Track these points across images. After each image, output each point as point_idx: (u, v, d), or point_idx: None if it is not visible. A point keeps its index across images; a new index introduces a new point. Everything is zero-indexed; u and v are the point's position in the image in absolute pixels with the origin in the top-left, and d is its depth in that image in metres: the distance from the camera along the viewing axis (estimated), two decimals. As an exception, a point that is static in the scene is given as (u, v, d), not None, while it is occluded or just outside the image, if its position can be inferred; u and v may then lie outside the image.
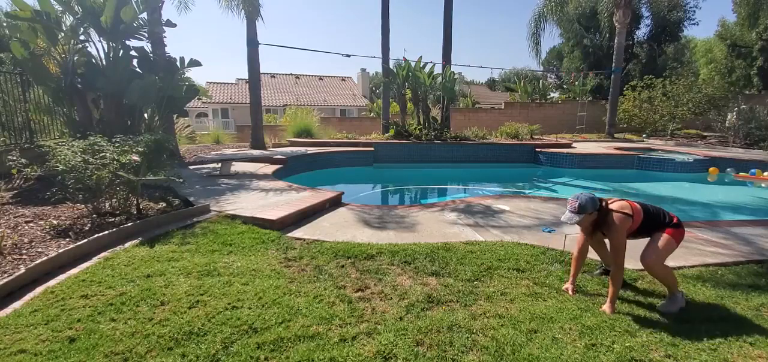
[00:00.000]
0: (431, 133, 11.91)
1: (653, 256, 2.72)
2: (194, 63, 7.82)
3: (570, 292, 2.93)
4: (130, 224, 4.06)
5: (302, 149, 10.70)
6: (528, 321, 2.51)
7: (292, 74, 37.52)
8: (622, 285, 3.04)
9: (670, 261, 3.47)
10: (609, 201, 2.81)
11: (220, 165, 7.52)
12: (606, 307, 2.71)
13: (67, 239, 3.77)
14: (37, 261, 3.14)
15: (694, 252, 3.75)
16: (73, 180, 4.08)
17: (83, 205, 4.53)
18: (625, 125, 18.04)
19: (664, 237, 2.75)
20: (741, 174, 9.57)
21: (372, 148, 11.03)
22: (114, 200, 4.55)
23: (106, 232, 3.78)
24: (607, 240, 2.97)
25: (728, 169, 9.83)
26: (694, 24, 24.39)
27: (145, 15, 7.48)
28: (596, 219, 2.77)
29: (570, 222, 2.74)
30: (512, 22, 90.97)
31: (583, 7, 24.04)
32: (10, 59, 6.73)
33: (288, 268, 3.25)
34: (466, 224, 4.54)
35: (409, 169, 10.92)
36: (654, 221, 2.81)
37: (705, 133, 16.91)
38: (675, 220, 2.82)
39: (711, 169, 9.98)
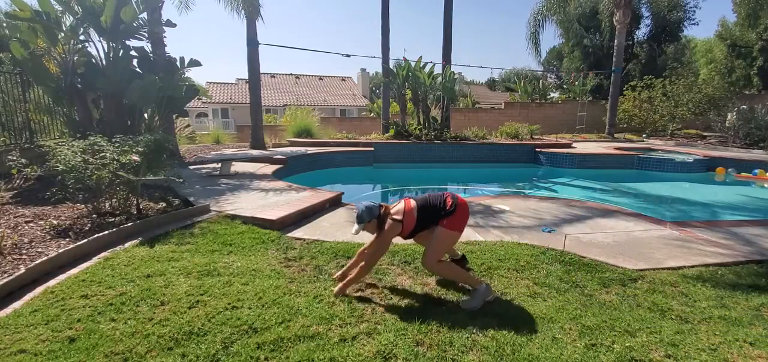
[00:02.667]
0: (431, 133, 11.90)
1: (426, 257, 2.76)
2: (194, 63, 7.82)
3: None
4: (130, 224, 4.05)
5: (302, 149, 10.70)
6: (528, 321, 2.50)
7: (292, 74, 37.53)
8: (621, 283, 3.05)
9: (671, 261, 3.50)
10: (390, 207, 2.87)
11: (220, 165, 7.51)
12: (336, 288, 2.82)
13: (67, 239, 3.77)
14: (37, 261, 3.14)
15: (694, 252, 3.75)
16: (73, 180, 4.07)
17: (83, 205, 4.54)
18: (625, 125, 18.04)
19: (436, 235, 2.77)
20: (743, 174, 9.57)
21: (372, 148, 11.02)
22: (114, 200, 4.55)
23: (106, 232, 3.78)
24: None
25: (729, 169, 9.83)
26: (694, 24, 24.43)
27: (145, 15, 7.48)
28: (378, 225, 2.83)
29: (356, 233, 2.84)
30: (512, 22, 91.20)
31: (583, 7, 24.04)
32: (10, 59, 6.73)
33: (288, 268, 3.25)
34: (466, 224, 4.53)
35: (409, 168, 10.92)
36: (430, 215, 2.80)
37: (705, 133, 16.91)
38: (449, 206, 2.78)
39: (718, 168, 9.97)
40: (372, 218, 2.79)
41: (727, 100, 16.13)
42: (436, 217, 2.78)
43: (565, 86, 27.57)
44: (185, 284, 2.90)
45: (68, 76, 6.73)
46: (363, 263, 2.83)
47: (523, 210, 5.17)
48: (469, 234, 4.17)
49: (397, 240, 3.89)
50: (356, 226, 2.81)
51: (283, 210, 4.58)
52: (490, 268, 3.27)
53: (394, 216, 2.78)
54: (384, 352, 2.17)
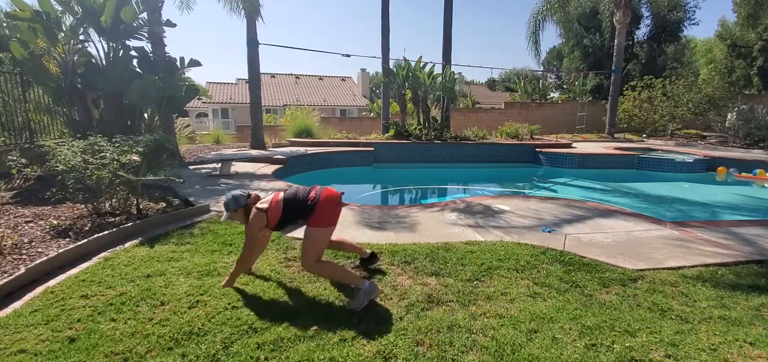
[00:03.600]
0: (431, 133, 11.91)
1: (303, 259, 2.74)
2: (194, 63, 7.82)
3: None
4: (130, 224, 4.06)
5: (302, 149, 10.70)
6: (528, 321, 2.50)
7: (292, 74, 37.52)
8: (621, 283, 3.05)
9: (671, 261, 3.50)
10: (261, 199, 2.87)
11: (220, 165, 7.52)
12: (223, 282, 2.87)
13: (67, 239, 3.77)
14: (37, 261, 3.14)
15: (694, 252, 3.75)
16: (73, 180, 4.08)
17: (83, 205, 4.54)
18: (625, 125, 18.04)
19: (306, 234, 2.76)
20: (743, 174, 9.56)
21: (372, 148, 11.02)
22: (114, 200, 4.55)
23: (106, 232, 3.78)
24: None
25: (731, 169, 9.83)
26: (694, 24, 24.45)
27: (145, 15, 7.48)
28: (245, 214, 2.83)
29: (224, 219, 2.90)
30: (512, 22, 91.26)
31: (583, 7, 24.05)
32: (9, 59, 6.74)
33: (288, 268, 3.24)
34: (466, 224, 4.54)
35: (409, 168, 10.92)
36: (296, 209, 2.76)
37: (705, 133, 16.91)
38: (310, 200, 2.72)
39: (719, 168, 9.97)
40: (238, 207, 2.82)
41: (727, 100, 16.13)
42: (302, 213, 2.76)
43: (565, 86, 27.59)
44: (185, 284, 2.90)
45: (68, 76, 6.73)
46: (242, 254, 2.85)
47: (523, 210, 5.17)
48: (469, 234, 4.17)
49: (399, 239, 3.92)
50: (224, 214, 2.86)
51: (283, 210, 4.57)
52: (490, 268, 3.27)
53: (259, 206, 2.78)
54: (384, 352, 2.17)
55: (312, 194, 2.76)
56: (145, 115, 7.85)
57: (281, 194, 2.82)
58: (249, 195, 2.88)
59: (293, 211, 2.77)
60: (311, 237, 2.73)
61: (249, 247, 2.82)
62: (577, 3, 23.04)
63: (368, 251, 3.29)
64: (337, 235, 4.05)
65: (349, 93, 36.49)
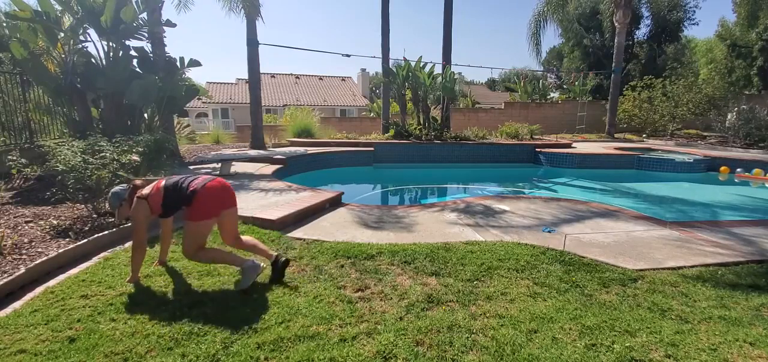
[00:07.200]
0: (431, 133, 11.90)
1: (183, 248, 2.86)
2: (194, 63, 7.82)
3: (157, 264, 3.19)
4: (130, 224, 4.04)
5: (302, 149, 10.69)
6: (528, 321, 2.50)
7: (292, 74, 37.54)
8: (621, 283, 3.05)
9: (671, 261, 3.50)
10: (142, 187, 2.91)
11: (219, 165, 7.52)
12: (128, 278, 2.94)
13: (67, 239, 3.78)
14: (37, 261, 3.14)
15: (694, 252, 3.75)
16: (73, 180, 4.08)
17: (83, 205, 4.54)
18: (625, 125, 18.03)
19: (185, 228, 2.86)
20: (746, 174, 9.56)
21: (372, 148, 11.02)
22: (114, 200, 4.55)
23: (106, 232, 3.78)
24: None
25: (738, 169, 9.82)
26: (694, 24, 24.45)
27: (145, 15, 7.48)
28: (129, 207, 2.89)
29: (117, 220, 2.96)
30: (512, 22, 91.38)
31: (583, 7, 24.07)
32: (9, 59, 6.74)
33: (288, 268, 3.24)
34: (466, 224, 4.54)
35: (409, 168, 10.92)
36: (177, 198, 2.82)
37: (705, 133, 16.90)
38: (191, 189, 2.77)
39: (722, 167, 9.97)
40: (121, 201, 2.88)
41: (727, 100, 16.13)
42: (183, 201, 2.82)
43: (565, 86, 27.60)
44: (185, 283, 2.90)
45: (68, 76, 6.73)
46: (132, 244, 2.91)
47: (523, 211, 5.17)
48: (469, 234, 4.17)
49: (399, 239, 3.92)
50: (115, 215, 2.91)
51: (283, 210, 4.58)
52: (490, 268, 3.27)
53: (140, 194, 2.84)
54: (384, 352, 2.17)
55: (194, 185, 2.81)
56: (145, 115, 7.85)
57: (164, 181, 2.89)
58: (128, 188, 2.92)
59: (175, 198, 2.83)
60: (189, 230, 2.84)
61: (136, 234, 2.87)
62: (577, 3, 23.07)
63: (274, 253, 3.09)
64: (340, 233, 4.06)
65: (349, 93, 36.50)
